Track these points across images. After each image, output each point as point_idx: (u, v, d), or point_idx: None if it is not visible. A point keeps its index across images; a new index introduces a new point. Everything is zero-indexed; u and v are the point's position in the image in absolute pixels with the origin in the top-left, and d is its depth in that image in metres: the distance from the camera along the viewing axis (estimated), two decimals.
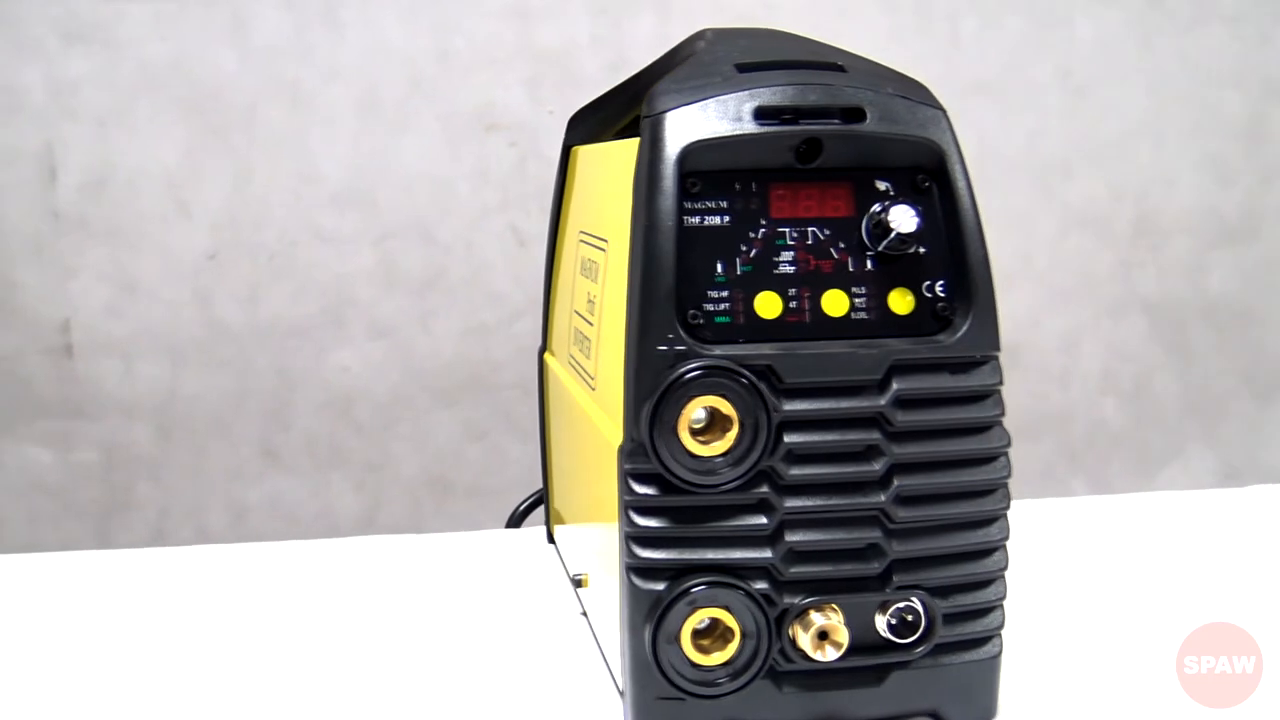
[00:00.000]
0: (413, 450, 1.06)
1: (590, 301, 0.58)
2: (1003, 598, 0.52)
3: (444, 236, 1.04)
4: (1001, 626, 0.52)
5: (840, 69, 0.50)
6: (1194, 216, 1.14)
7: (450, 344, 1.05)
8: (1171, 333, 1.15)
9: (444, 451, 1.07)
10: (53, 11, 0.98)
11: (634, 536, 0.49)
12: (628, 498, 0.49)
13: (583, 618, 0.64)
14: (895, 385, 0.49)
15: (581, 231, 0.63)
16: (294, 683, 0.59)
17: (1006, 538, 0.51)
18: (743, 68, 0.50)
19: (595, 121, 0.67)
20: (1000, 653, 0.52)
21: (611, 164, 0.56)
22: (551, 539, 0.77)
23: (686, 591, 0.48)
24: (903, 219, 0.48)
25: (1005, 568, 0.51)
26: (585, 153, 0.67)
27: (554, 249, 0.71)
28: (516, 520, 0.86)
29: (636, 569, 0.49)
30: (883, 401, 0.49)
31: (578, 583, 0.63)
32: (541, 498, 0.79)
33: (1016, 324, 1.11)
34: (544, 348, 0.74)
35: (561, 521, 0.73)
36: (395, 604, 0.69)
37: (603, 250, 0.56)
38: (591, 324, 0.58)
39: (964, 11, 1.08)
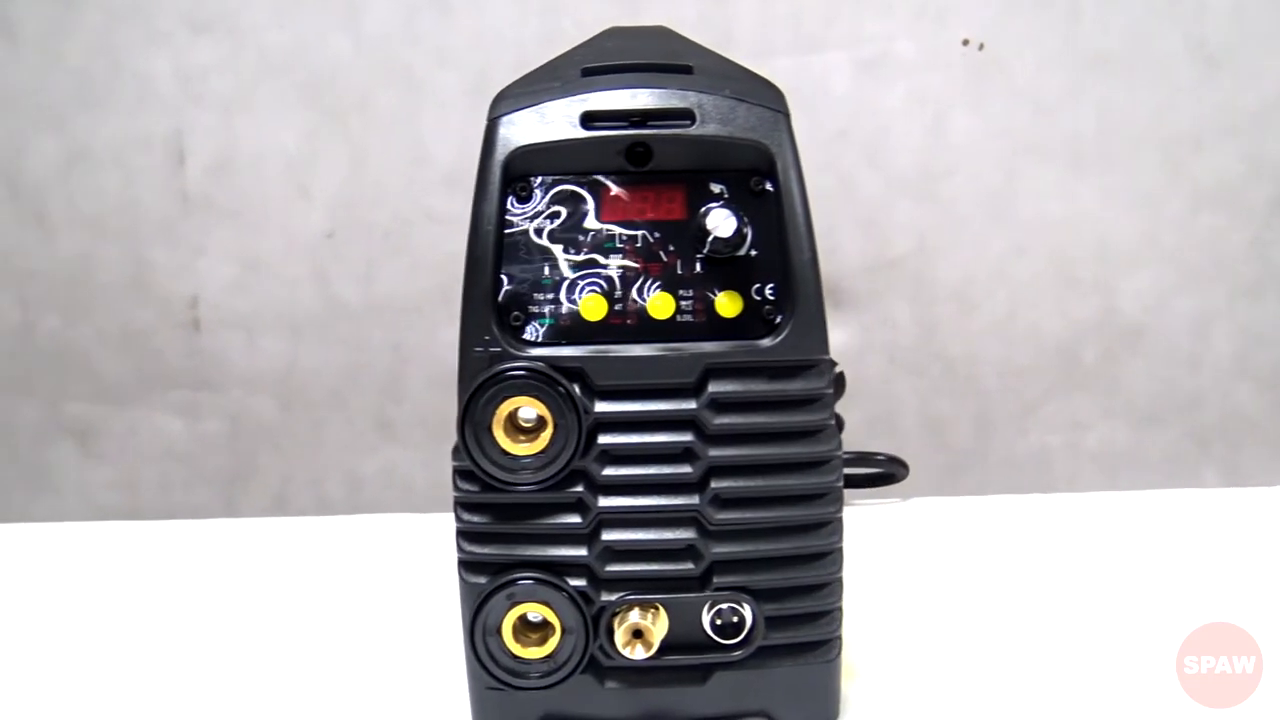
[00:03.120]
0: None
1: None
2: (837, 603, 0.51)
3: None
4: (837, 631, 0.52)
5: (686, 71, 0.50)
6: None
7: None
8: None
9: None
10: (182, 4, 1.04)
11: (461, 532, 0.51)
12: (455, 494, 0.51)
13: None
14: (710, 389, 0.49)
15: None
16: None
17: (839, 542, 0.51)
18: (587, 71, 0.51)
19: None
20: (837, 657, 0.52)
21: None
22: None
23: (504, 586, 0.50)
24: (720, 223, 0.49)
25: (839, 573, 0.51)
26: None
27: None
28: None
29: (464, 563, 0.51)
30: (694, 405, 0.49)
31: None
32: None
33: (1142, 306, 1.07)
34: None
35: None
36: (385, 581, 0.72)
37: None
38: None
39: None
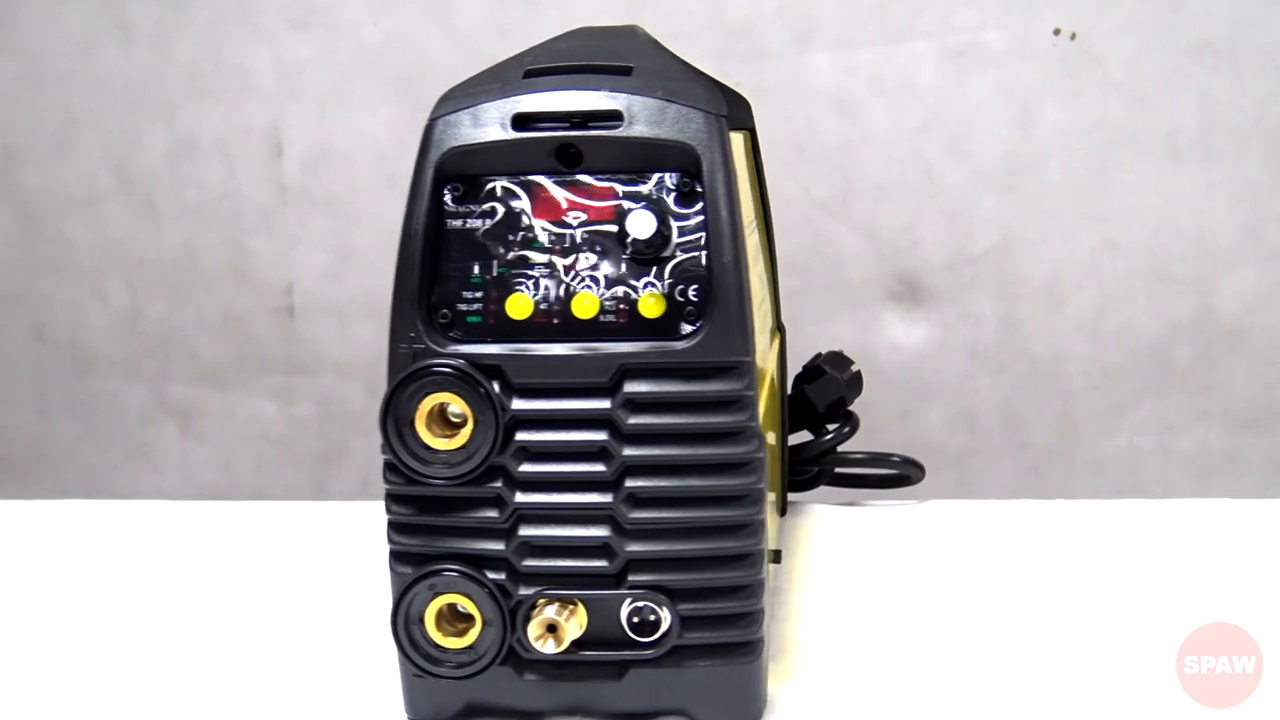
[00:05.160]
0: None
1: None
2: (758, 605, 0.50)
3: None
4: (759, 633, 0.51)
5: (625, 72, 0.50)
6: None
7: None
8: None
9: None
10: (283, 1, 1.08)
11: (390, 523, 0.52)
12: (385, 486, 0.52)
13: None
14: (626, 388, 0.49)
15: None
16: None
17: (759, 544, 0.50)
18: (529, 73, 0.50)
19: None
20: (759, 658, 0.51)
21: None
22: None
23: (427, 576, 0.51)
24: (639, 224, 0.48)
25: (760, 575, 0.50)
26: None
27: None
28: None
29: (393, 553, 0.52)
30: (609, 404, 0.49)
31: None
32: None
33: (1242, 305, 1.02)
34: None
35: None
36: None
37: None
38: None
39: None
